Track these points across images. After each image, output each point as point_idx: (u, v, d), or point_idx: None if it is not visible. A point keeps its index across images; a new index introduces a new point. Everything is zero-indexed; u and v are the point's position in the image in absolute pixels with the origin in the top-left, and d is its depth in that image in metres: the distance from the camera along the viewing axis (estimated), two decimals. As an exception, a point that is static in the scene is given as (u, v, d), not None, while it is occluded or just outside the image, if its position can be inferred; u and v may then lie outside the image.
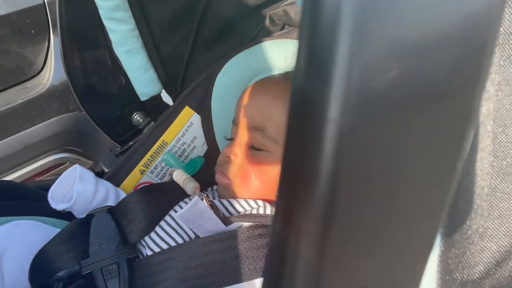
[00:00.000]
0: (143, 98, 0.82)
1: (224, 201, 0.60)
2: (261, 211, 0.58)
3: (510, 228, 0.26)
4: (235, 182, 0.62)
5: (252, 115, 0.63)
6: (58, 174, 0.70)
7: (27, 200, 0.70)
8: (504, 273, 0.29)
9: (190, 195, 0.63)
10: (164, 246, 0.57)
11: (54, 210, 0.69)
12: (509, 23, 0.25)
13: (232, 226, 0.56)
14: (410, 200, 0.19)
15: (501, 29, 0.25)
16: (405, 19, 0.17)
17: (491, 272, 0.28)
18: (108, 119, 0.84)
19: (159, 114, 0.85)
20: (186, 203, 0.61)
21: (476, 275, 0.28)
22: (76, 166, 0.71)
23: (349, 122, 0.16)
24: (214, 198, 0.63)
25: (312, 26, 0.17)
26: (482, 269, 0.28)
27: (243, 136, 0.64)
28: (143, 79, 0.80)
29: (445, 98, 0.19)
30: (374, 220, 0.20)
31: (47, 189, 0.73)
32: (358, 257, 0.21)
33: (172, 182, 0.68)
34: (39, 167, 1.72)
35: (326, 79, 0.17)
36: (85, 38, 0.77)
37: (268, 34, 0.85)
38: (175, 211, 0.60)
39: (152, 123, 0.86)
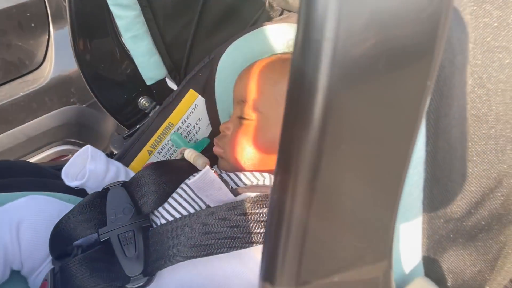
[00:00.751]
0: (149, 82, 0.86)
1: (231, 174, 0.64)
2: (267, 182, 0.62)
3: (486, 170, 0.31)
4: (227, 151, 0.68)
5: (239, 90, 0.70)
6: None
7: (42, 177, 0.74)
8: (483, 212, 0.33)
9: (200, 170, 0.67)
10: (177, 216, 0.61)
11: (68, 187, 0.72)
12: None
13: (239, 197, 0.60)
14: (380, 145, 0.22)
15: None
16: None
17: (473, 211, 0.32)
18: (115, 103, 0.88)
19: (164, 98, 0.88)
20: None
21: (458, 213, 0.32)
22: (88, 146, 0.75)
23: (335, 88, 0.20)
24: (221, 173, 0.67)
25: (307, 12, 0.21)
26: (464, 208, 0.32)
27: (236, 112, 0.71)
28: (149, 64, 0.84)
29: (408, 65, 0.22)
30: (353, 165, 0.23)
31: (59, 169, 0.77)
32: (338, 212, 0.25)
33: (181, 160, 0.72)
34: (41, 159, 1.74)
35: (318, 51, 0.21)
36: (93, 25, 0.80)
37: (268, 19, 0.88)
38: (186, 184, 0.64)
39: (158, 107, 0.89)
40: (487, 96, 0.30)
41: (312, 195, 0.22)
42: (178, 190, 0.64)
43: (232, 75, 0.82)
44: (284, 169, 0.24)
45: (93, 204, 0.63)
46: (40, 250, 0.62)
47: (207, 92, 0.83)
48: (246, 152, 0.65)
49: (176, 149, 0.84)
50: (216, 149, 0.71)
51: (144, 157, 0.83)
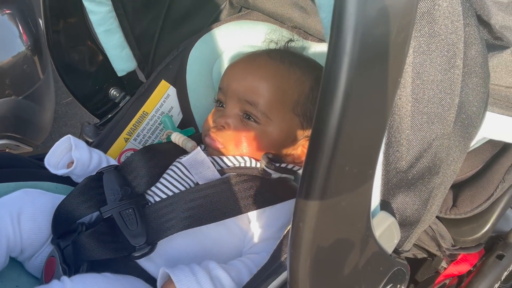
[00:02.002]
0: (120, 74, 0.91)
1: (216, 158, 0.74)
2: (247, 165, 0.73)
3: (421, 137, 0.45)
4: (228, 147, 0.74)
5: (244, 90, 0.74)
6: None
7: (25, 167, 0.77)
8: (420, 166, 0.47)
9: (189, 152, 0.75)
10: (169, 193, 0.69)
11: (52, 175, 0.77)
12: (418, 10, 0.43)
13: (225, 176, 0.70)
14: (376, 109, 0.35)
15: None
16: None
17: (413, 165, 0.47)
18: (86, 93, 0.92)
19: (134, 89, 0.94)
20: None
21: (404, 167, 0.46)
22: (69, 135, 0.79)
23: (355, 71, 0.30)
24: (207, 155, 0.76)
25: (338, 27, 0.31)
26: (407, 163, 0.46)
27: (234, 108, 0.75)
28: (120, 56, 0.89)
29: (391, 53, 0.34)
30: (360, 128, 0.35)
31: (39, 159, 0.81)
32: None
33: (167, 143, 0.80)
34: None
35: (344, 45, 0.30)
36: (66, 19, 0.83)
37: (228, 15, 0.98)
38: (180, 163, 0.72)
39: (128, 97, 0.95)
40: (423, 85, 0.44)
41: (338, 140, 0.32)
42: (170, 170, 0.73)
43: (202, 67, 0.90)
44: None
45: (90, 186, 0.69)
46: (40, 237, 0.68)
47: (178, 83, 0.91)
48: (247, 150, 0.73)
49: (150, 135, 0.91)
50: (215, 144, 0.74)
51: (120, 144, 0.89)
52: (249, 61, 0.78)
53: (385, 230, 0.45)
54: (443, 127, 0.47)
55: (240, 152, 0.74)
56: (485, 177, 0.88)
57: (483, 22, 0.82)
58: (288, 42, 0.84)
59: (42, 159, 0.78)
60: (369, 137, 0.35)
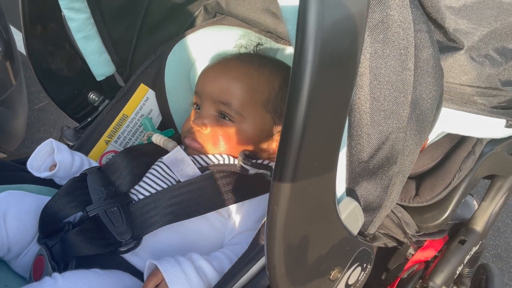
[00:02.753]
0: (99, 78, 0.94)
1: (196, 157, 0.78)
2: (226, 162, 0.78)
3: (379, 131, 0.51)
4: (207, 146, 0.79)
5: (218, 91, 0.79)
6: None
7: (10, 171, 0.79)
8: (379, 156, 0.53)
9: (169, 151, 0.79)
10: (152, 191, 0.73)
11: (35, 178, 0.79)
12: (373, 20, 0.49)
13: (205, 173, 0.75)
14: (334, 106, 0.40)
15: (368, 22, 0.49)
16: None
17: (373, 156, 0.53)
18: (65, 98, 0.94)
19: (112, 92, 0.97)
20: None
21: (365, 157, 0.52)
22: (51, 139, 0.82)
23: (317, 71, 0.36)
24: (188, 155, 0.80)
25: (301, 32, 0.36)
26: (368, 154, 0.52)
27: (209, 109, 0.80)
28: (99, 61, 0.92)
29: (347, 57, 0.40)
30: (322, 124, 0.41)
31: (21, 163, 0.83)
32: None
33: (148, 144, 0.83)
34: None
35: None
36: (45, 26, 0.85)
37: (203, 20, 1.02)
38: (162, 162, 0.76)
39: (107, 101, 0.98)
40: (380, 86, 0.50)
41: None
42: (152, 169, 0.77)
43: (179, 71, 0.95)
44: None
45: (75, 187, 0.72)
46: (26, 236, 0.70)
47: (157, 86, 0.95)
48: (225, 148, 0.78)
49: (131, 138, 0.95)
50: (194, 145, 0.79)
51: (101, 147, 0.92)
52: (220, 64, 0.84)
53: (350, 213, 0.50)
54: (398, 122, 0.53)
55: (219, 151, 0.78)
56: (444, 167, 0.97)
57: (438, 26, 0.91)
58: (256, 45, 0.90)
59: (24, 163, 0.80)
60: (331, 131, 0.41)
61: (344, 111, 0.42)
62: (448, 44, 0.89)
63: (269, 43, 0.93)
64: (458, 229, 1.28)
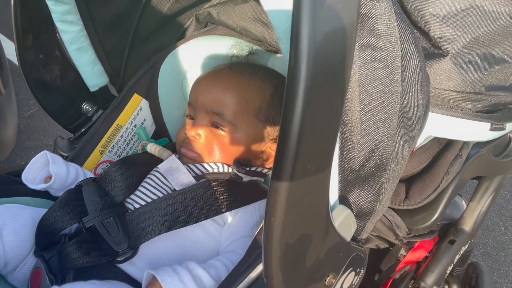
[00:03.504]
0: (92, 89, 0.95)
1: (191, 165, 0.80)
2: (220, 170, 0.79)
3: (370, 140, 0.53)
4: (202, 155, 0.80)
5: (211, 102, 0.80)
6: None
7: (5, 184, 0.79)
8: (370, 165, 0.55)
9: (164, 160, 0.80)
10: (148, 200, 0.74)
11: (30, 190, 0.79)
12: (361, 35, 0.51)
13: (199, 181, 0.76)
14: (327, 116, 0.42)
15: (357, 37, 0.51)
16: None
17: (364, 164, 0.55)
18: (59, 109, 0.94)
19: (106, 103, 0.98)
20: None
21: (357, 166, 0.54)
22: (45, 151, 0.82)
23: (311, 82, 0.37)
24: (183, 164, 0.81)
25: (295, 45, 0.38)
26: (359, 163, 0.54)
27: (203, 119, 0.82)
28: (92, 72, 0.93)
29: (338, 70, 0.42)
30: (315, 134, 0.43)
31: (16, 175, 0.83)
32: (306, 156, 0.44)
33: (143, 154, 0.84)
34: None
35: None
36: (38, 38, 0.86)
37: (195, 30, 1.04)
38: (157, 171, 0.77)
39: (100, 111, 0.98)
40: (369, 97, 0.52)
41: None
42: (148, 178, 0.77)
43: (172, 81, 0.96)
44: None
45: (70, 199, 0.73)
46: (23, 249, 0.70)
47: (151, 96, 0.96)
48: (220, 157, 0.80)
49: (125, 147, 0.95)
50: (190, 154, 0.81)
51: (96, 157, 0.92)
52: (212, 75, 0.85)
53: (343, 221, 0.52)
54: (388, 131, 0.55)
55: (213, 159, 0.80)
56: (432, 170, 0.99)
57: (424, 33, 0.94)
58: (247, 55, 0.92)
59: (18, 175, 0.81)
60: (324, 143, 0.43)
61: (336, 123, 0.44)
62: (433, 51, 0.92)
63: (260, 52, 0.95)
64: (448, 230, 1.31)
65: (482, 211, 1.29)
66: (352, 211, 0.56)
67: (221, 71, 0.85)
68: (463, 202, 1.39)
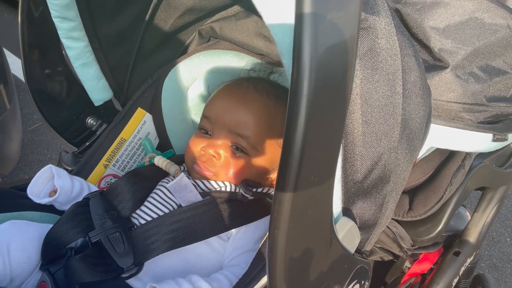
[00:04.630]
0: (97, 104, 0.96)
1: (198, 181, 0.80)
2: (227, 189, 0.79)
3: (372, 153, 0.53)
4: (217, 174, 0.79)
5: (236, 124, 0.79)
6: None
7: (11, 199, 0.80)
8: (373, 177, 0.56)
9: (171, 175, 0.81)
10: (154, 216, 0.75)
11: (35, 204, 0.80)
12: (362, 49, 0.52)
13: (206, 198, 0.76)
14: (330, 129, 0.43)
15: (358, 51, 0.52)
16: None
17: (367, 176, 0.55)
18: (64, 123, 0.95)
19: (110, 117, 0.99)
20: (169, 180, 0.79)
21: (360, 178, 0.54)
22: (50, 165, 0.83)
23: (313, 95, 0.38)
24: (190, 179, 0.81)
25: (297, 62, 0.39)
26: (362, 175, 0.54)
27: (225, 139, 0.80)
28: (97, 87, 0.94)
29: (340, 84, 0.43)
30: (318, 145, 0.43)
31: (21, 189, 0.84)
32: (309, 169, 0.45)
33: (150, 166, 0.85)
34: None
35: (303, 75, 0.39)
36: (44, 54, 0.88)
37: (198, 45, 1.05)
38: (164, 186, 0.78)
39: (104, 125, 0.99)
40: (370, 109, 0.53)
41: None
42: (154, 193, 0.78)
43: (176, 94, 0.97)
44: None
45: (77, 212, 0.73)
46: (29, 265, 0.70)
47: (154, 109, 0.97)
48: (232, 178, 0.79)
49: (129, 161, 0.96)
50: (205, 172, 0.79)
51: (100, 171, 0.93)
52: (237, 94, 0.83)
53: (347, 233, 0.53)
54: (390, 143, 0.56)
55: (224, 179, 0.80)
56: (435, 181, 0.99)
57: (424, 46, 0.95)
58: (269, 74, 0.92)
59: (23, 189, 0.81)
60: (327, 156, 0.43)
61: (339, 136, 0.45)
62: (434, 63, 0.93)
63: (263, 66, 0.96)
64: (453, 241, 1.30)
65: (486, 222, 1.28)
66: (356, 223, 0.56)
67: (246, 90, 0.83)
68: (468, 213, 1.39)
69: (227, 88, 0.87)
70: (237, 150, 0.80)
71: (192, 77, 0.98)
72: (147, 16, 0.93)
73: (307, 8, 0.34)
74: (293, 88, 0.37)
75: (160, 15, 0.95)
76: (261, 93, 0.83)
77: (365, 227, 0.59)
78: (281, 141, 0.81)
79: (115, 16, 0.90)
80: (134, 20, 0.94)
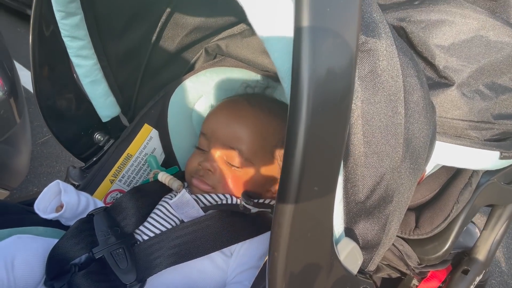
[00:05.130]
0: (105, 120, 0.97)
1: (199, 196, 0.80)
2: (229, 202, 0.80)
3: (374, 173, 0.53)
4: (215, 188, 0.81)
5: (229, 137, 0.81)
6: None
7: (17, 214, 0.81)
8: (375, 197, 0.55)
9: (174, 190, 0.81)
10: (157, 232, 0.75)
11: (40, 219, 0.81)
12: (363, 70, 0.52)
13: (208, 213, 0.77)
14: (330, 149, 0.43)
15: (359, 72, 0.52)
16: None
17: (369, 196, 0.55)
18: (71, 138, 0.97)
19: (117, 132, 1.01)
20: (172, 196, 0.80)
21: (362, 198, 0.54)
22: (57, 180, 0.84)
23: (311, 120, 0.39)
24: (190, 193, 0.82)
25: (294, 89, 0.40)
26: (364, 195, 0.54)
27: (219, 152, 0.82)
28: (105, 104, 0.96)
29: (339, 107, 0.43)
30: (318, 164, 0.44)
31: (28, 204, 0.85)
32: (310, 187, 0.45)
33: (154, 182, 0.86)
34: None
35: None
36: (54, 71, 0.90)
37: (204, 62, 1.07)
38: (166, 202, 0.78)
39: (112, 140, 1.01)
40: (372, 130, 0.53)
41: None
42: (157, 209, 0.79)
43: (182, 111, 0.98)
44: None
45: (82, 229, 0.74)
46: (33, 280, 0.71)
47: (160, 125, 0.98)
48: (231, 190, 0.81)
49: (135, 176, 0.97)
50: (203, 186, 0.82)
51: (106, 186, 0.94)
52: (231, 109, 0.86)
53: (349, 254, 0.52)
54: (392, 163, 0.55)
55: (224, 191, 0.81)
56: (442, 199, 0.98)
57: (429, 63, 0.95)
58: (265, 88, 0.94)
59: (30, 204, 0.82)
60: (327, 178, 0.43)
61: (339, 157, 0.45)
62: (439, 80, 0.93)
63: (268, 81, 0.97)
64: (461, 259, 1.28)
65: (496, 240, 1.26)
66: (359, 243, 0.56)
67: (239, 105, 0.86)
68: (477, 230, 1.36)
69: (222, 105, 0.90)
70: (231, 162, 0.82)
71: (198, 93, 1.00)
72: (155, 35, 0.95)
73: (305, 36, 0.35)
74: (291, 114, 0.37)
75: (168, 34, 0.97)
76: (254, 107, 0.85)
77: (368, 247, 0.59)
78: (276, 152, 0.83)
79: (123, 35, 0.93)
80: (142, 39, 0.96)
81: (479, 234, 1.29)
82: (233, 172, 0.81)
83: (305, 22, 0.37)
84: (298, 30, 0.37)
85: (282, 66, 0.40)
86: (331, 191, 0.44)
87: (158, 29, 0.95)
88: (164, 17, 0.94)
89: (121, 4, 0.86)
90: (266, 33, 0.40)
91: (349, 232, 0.55)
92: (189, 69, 1.05)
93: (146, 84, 1.03)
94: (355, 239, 0.55)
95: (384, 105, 0.54)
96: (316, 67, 0.37)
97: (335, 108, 0.40)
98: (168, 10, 0.94)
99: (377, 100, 0.53)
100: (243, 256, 0.75)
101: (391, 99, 0.54)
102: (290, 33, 0.38)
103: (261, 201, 0.80)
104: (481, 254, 1.24)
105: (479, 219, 2.10)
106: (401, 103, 0.56)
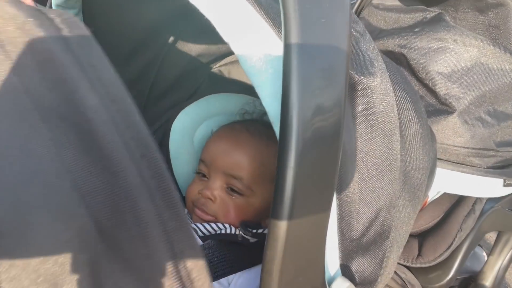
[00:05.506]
0: (108, 145, 0.99)
1: (199, 225, 0.80)
2: (227, 231, 0.79)
3: (370, 209, 0.53)
4: (217, 217, 0.81)
5: (230, 166, 0.81)
6: None
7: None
8: (371, 233, 0.55)
9: None
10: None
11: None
12: (357, 108, 0.53)
13: (206, 242, 0.77)
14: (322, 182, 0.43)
15: (353, 110, 0.53)
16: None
17: (365, 233, 0.55)
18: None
19: (120, 157, 1.02)
20: None
21: (357, 235, 0.54)
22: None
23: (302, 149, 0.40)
24: (190, 222, 0.82)
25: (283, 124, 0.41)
26: (359, 232, 0.54)
27: (219, 181, 0.82)
28: (109, 129, 0.97)
29: (328, 140, 0.43)
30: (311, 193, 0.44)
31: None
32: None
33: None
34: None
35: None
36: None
37: (207, 87, 1.08)
38: None
39: (115, 164, 1.02)
40: (367, 167, 0.53)
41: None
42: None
43: (184, 137, 0.99)
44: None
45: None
46: None
47: (162, 151, 0.99)
48: (231, 219, 0.81)
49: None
50: (205, 216, 0.81)
51: (108, 211, 0.95)
52: (230, 136, 0.87)
53: (343, 294, 0.52)
54: (388, 198, 0.55)
55: (224, 221, 0.81)
56: (445, 227, 0.97)
57: (430, 90, 0.95)
58: (263, 115, 0.95)
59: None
60: (318, 217, 0.43)
61: (330, 193, 0.45)
62: (440, 107, 0.93)
63: (257, 108, 0.99)
64: (468, 284, 1.25)
65: (503, 265, 1.23)
66: (355, 280, 0.56)
67: (240, 134, 0.86)
68: (484, 253, 1.34)
69: (221, 132, 0.91)
70: (232, 191, 0.82)
71: (200, 119, 1.01)
72: (159, 61, 0.97)
73: (294, 86, 0.36)
74: (280, 161, 0.38)
75: (171, 60, 0.99)
76: (253, 134, 0.85)
77: (365, 284, 0.58)
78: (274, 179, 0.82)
79: (127, 62, 0.95)
80: (146, 65, 0.98)
81: (486, 258, 1.27)
82: (234, 201, 0.81)
83: (294, 67, 0.38)
84: (286, 75, 0.38)
85: (272, 110, 0.41)
86: (322, 235, 0.44)
87: (162, 56, 0.97)
88: (168, 45, 0.96)
89: (126, 35, 0.88)
90: (258, 80, 0.41)
91: (345, 269, 0.54)
92: (191, 94, 1.07)
93: (149, 110, 1.04)
94: (351, 277, 0.54)
95: (379, 142, 0.54)
96: (305, 116, 0.38)
97: (325, 152, 0.41)
98: (172, 38, 0.96)
99: (372, 137, 0.53)
100: (240, 286, 0.74)
101: (386, 135, 0.55)
102: (279, 78, 0.39)
103: (260, 231, 0.80)
104: (488, 281, 1.22)
105: (487, 239, 2.06)
106: (397, 139, 0.57)
